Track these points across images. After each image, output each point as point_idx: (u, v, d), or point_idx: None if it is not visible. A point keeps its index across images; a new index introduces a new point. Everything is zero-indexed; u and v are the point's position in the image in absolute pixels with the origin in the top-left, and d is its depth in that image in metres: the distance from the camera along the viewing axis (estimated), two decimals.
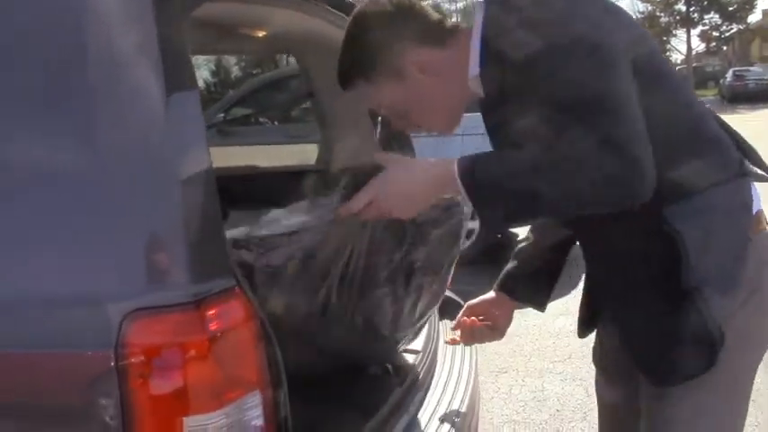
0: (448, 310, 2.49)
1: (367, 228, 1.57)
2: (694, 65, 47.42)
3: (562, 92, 1.25)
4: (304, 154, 4.08)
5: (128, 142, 1.18)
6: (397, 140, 2.41)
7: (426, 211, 1.56)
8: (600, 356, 1.86)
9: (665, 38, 47.75)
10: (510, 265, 1.88)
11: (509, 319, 1.93)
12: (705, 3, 44.44)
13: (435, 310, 1.92)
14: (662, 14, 46.28)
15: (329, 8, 2.24)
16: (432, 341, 2.17)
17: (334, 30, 2.30)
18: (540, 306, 1.89)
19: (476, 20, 1.44)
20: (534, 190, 1.25)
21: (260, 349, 1.21)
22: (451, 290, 2.56)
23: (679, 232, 1.36)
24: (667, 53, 51.30)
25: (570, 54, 1.26)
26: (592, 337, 1.87)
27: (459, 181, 1.31)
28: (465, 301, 2.04)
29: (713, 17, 45.34)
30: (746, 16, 45.65)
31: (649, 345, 1.45)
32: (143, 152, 1.19)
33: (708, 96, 42.67)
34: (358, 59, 1.53)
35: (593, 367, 1.90)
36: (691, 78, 45.98)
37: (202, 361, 1.13)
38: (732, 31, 46.13)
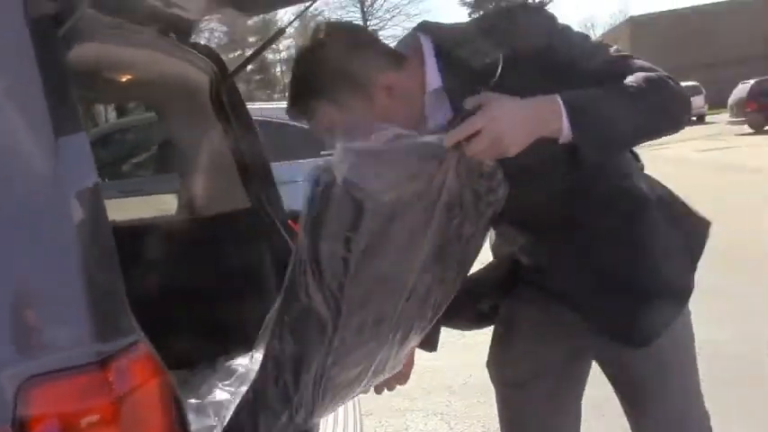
0: None
1: (446, 181, 1.43)
2: None
3: (598, 53, 1.54)
4: (142, 207, 3.93)
5: (15, 196, 1.08)
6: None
7: (481, 180, 1.50)
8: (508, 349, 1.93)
9: None
10: None
11: (412, 363, 1.94)
12: None
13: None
14: None
15: (190, 50, 2.19)
16: None
17: (195, 72, 2.24)
18: (434, 347, 1.91)
19: (422, 42, 1.56)
20: (631, 118, 1.44)
21: (169, 406, 1.14)
22: None
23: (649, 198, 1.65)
24: None
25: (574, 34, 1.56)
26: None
27: (563, 109, 1.38)
28: None
29: None
30: None
31: (628, 311, 1.63)
32: (33, 205, 1.09)
33: None
34: (327, 83, 1.53)
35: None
36: None
37: (111, 425, 1.04)
38: None
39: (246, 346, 2.32)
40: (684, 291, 1.70)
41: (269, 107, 7.33)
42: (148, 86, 2.32)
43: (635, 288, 1.64)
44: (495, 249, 1.86)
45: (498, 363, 1.94)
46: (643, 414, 1.78)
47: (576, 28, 1.60)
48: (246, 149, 2.40)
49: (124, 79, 2.03)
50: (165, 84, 2.26)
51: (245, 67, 2.49)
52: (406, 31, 1.68)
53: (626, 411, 1.83)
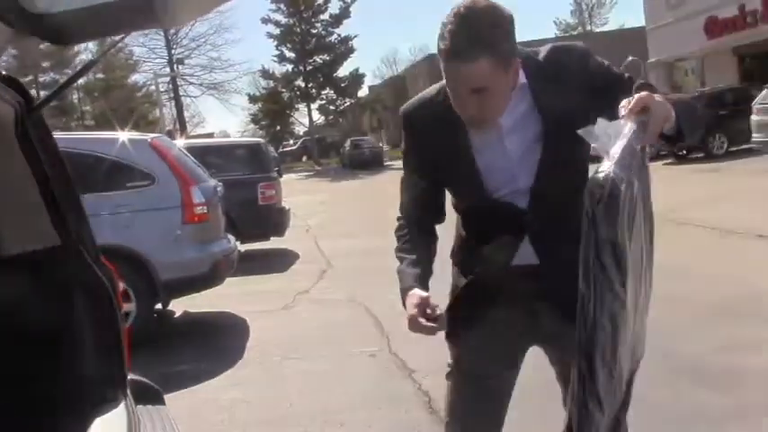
0: (146, 396, 2.39)
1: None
2: (317, 136, 50.79)
3: (617, 73, 1.99)
4: None
5: None
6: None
7: None
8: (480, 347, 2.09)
9: (288, 111, 50.54)
10: (416, 270, 2.01)
11: None
12: (321, 79, 48.03)
13: None
14: (284, 90, 49.04)
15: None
16: (134, 426, 2.06)
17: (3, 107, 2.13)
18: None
19: None
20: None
21: None
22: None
23: None
24: (292, 126, 54.31)
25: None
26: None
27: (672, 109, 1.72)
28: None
29: (329, 92, 49.10)
30: (356, 92, 50.17)
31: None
32: None
33: (332, 165, 45.88)
34: (498, 42, 1.78)
35: None
36: (315, 148, 49.14)
37: None
38: (346, 105, 50.29)
39: (58, 397, 2.21)
40: None
41: (70, 137, 6.96)
42: None
43: None
44: (487, 258, 2.04)
45: (474, 356, 2.11)
46: None
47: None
48: (55, 184, 2.29)
49: None
50: None
51: (54, 98, 2.39)
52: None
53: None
